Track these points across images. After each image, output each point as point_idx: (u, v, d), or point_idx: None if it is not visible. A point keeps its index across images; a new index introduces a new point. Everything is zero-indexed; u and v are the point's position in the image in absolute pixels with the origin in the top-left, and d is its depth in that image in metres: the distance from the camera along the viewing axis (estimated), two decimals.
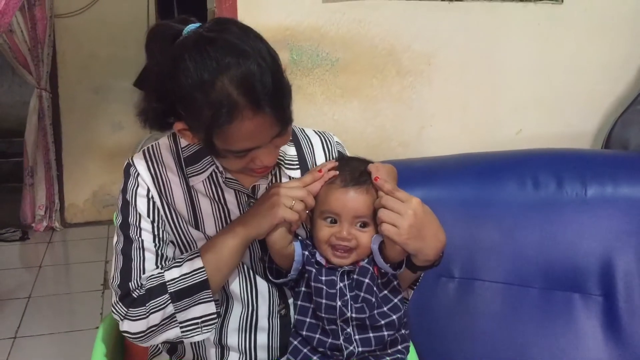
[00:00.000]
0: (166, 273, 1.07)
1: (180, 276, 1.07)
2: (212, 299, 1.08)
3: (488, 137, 1.89)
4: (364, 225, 1.10)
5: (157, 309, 1.06)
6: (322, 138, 1.27)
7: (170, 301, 1.06)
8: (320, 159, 1.24)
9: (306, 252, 1.12)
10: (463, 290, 1.51)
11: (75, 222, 3.96)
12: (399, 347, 1.14)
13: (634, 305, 1.47)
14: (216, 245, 1.10)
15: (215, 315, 1.10)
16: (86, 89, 3.86)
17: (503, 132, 1.92)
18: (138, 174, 1.15)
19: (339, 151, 1.27)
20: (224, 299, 1.16)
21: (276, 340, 1.19)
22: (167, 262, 1.12)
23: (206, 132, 0.98)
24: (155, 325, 1.07)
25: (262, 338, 1.18)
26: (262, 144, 1.01)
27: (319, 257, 1.12)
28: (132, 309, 1.07)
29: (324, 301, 1.09)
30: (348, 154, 1.31)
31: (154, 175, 1.15)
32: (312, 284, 1.10)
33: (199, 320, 1.10)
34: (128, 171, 1.16)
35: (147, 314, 1.06)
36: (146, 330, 1.07)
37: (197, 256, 1.08)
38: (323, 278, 1.10)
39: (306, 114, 1.73)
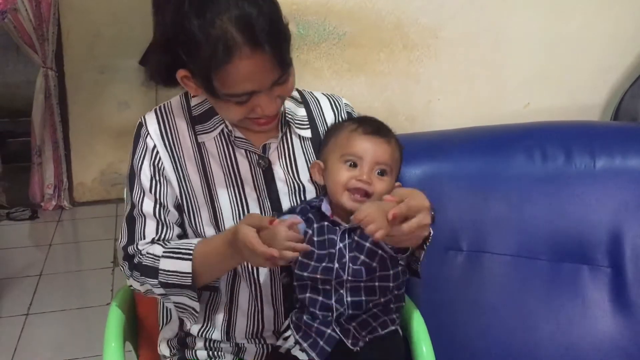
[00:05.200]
0: (162, 260, 1.11)
1: (170, 271, 1.11)
2: (195, 298, 1.14)
3: (496, 111, 1.88)
4: (382, 173, 1.11)
5: (150, 285, 1.13)
6: (331, 100, 1.29)
7: (160, 286, 1.12)
8: (329, 119, 1.26)
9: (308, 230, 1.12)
10: (471, 263, 1.52)
11: (84, 201, 3.98)
12: (392, 305, 1.15)
13: None
14: (208, 255, 1.12)
15: (195, 313, 1.16)
16: (92, 67, 3.85)
17: (511, 105, 1.91)
18: (148, 134, 1.16)
19: (348, 112, 1.28)
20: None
21: (281, 308, 1.21)
22: (168, 231, 1.16)
23: (206, 74, 1.00)
24: (152, 292, 1.15)
25: (268, 309, 1.20)
26: (262, 88, 1.02)
27: (324, 208, 1.12)
28: (134, 271, 1.15)
29: (321, 264, 1.09)
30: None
31: (164, 133, 1.17)
32: (312, 243, 1.10)
33: (185, 306, 1.16)
34: (139, 132, 1.18)
35: (144, 283, 1.14)
36: (145, 292, 1.17)
37: (189, 258, 1.10)
38: (325, 237, 1.10)
39: (313, 88, 1.70)
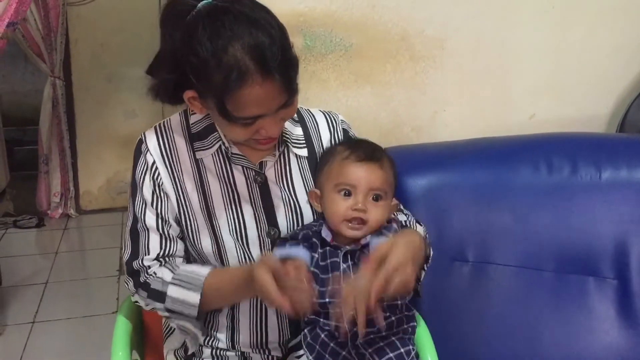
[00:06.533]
0: (170, 286, 1.14)
1: (177, 299, 1.14)
2: (199, 327, 1.17)
3: (501, 122, 1.88)
4: (377, 198, 1.12)
5: (155, 307, 1.16)
6: (327, 117, 1.31)
7: (165, 310, 1.15)
8: (325, 137, 1.27)
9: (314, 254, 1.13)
10: (477, 274, 1.52)
11: (90, 209, 4.00)
12: (405, 325, 1.15)
13: None
14: (220, 289, 1.15)
15: (197, 339, 1.19)
16: (99, 76, 3.88)
17: (516, 116, 1.91)
18: (148, 150, 1.19)
19: (344, 129, 1.29)
20: None
21: (285, 322, 1.21)
22: (172, 244, 1.18)
23: (217, 97, 1.02)
24: (156, 311, 1.18)
25: (272, 320, 1.21)
26: (269, 112, 1.05)
27: (324, 234, 1.14)
28: (140, 289, 1.17)
29: (328, 288, 1.09)
30: (355, 133, 1.32)
31: (163, 150, 1.19)
32: (313, 269, 1.11)
33: (188, 330, 1.18)
34: (139, 148, 1.20)
35: (149, 304, 1.18)
36: (149, 309, 1.20)
37: (198, 290, 1.13)
38: (328, 261, 1.11)
39: (320, 99, 1.74)
